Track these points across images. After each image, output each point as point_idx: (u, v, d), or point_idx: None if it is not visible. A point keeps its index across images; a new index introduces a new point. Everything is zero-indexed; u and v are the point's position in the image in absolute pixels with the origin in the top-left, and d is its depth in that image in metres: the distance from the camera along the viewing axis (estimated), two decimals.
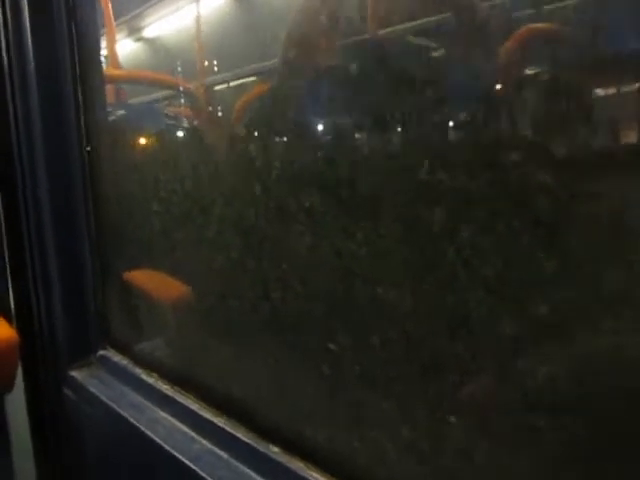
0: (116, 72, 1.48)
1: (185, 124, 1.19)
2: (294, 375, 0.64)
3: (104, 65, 1.11)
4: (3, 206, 0.94)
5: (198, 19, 1.49)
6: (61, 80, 0.92)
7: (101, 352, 0.92)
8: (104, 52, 1.60)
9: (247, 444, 0.65)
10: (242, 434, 0.66)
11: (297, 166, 0.60)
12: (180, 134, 1.01)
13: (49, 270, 0.93)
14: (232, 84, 1.18)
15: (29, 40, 0.91)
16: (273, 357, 0.67)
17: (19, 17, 0.92)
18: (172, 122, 1.18)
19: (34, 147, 0.92)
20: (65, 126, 0.90)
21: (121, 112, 1.09)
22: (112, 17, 1.49)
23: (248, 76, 1.03)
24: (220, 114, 0.98)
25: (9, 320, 0.95)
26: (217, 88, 1.25)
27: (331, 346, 0.57)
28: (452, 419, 0.45)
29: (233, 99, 0.91)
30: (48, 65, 0.91)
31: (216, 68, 1.06)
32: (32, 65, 0.89)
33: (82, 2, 0.94)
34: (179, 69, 1.30)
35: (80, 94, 0.93)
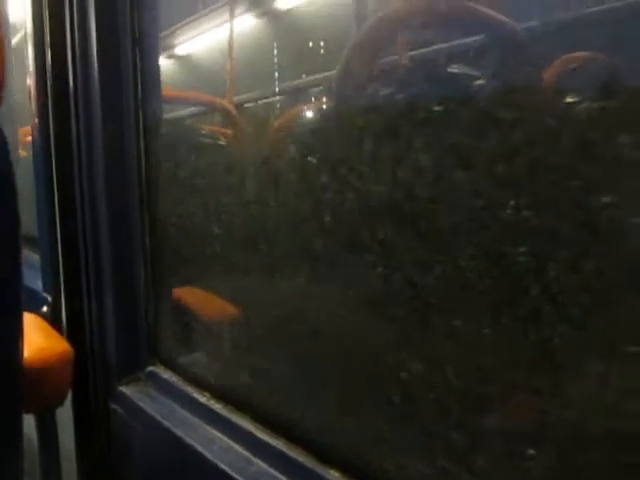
0: (170, 93, 1.52)
1: (228, 144, 1.21)
2: (357, 398, 0.64)
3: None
4: (61, 220, 0.96)
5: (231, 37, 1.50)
6: (124, 103, 0.94)
7: (150, 368, 0.92)
8: None
9: (306, 467, 0.65)
10: (301, 457, 0.66)
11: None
12: (236, 155, 1.03)
13: (103, 284, 0.94)
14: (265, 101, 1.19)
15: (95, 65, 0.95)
16: (335, 379, 0.67)
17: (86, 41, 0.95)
18: (214, 141, 1.20)
19: (94, 165, 0.95)
20: (125, 150, 0.93)
21: (177, 130, 1.12)
22: None
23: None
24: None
25: (60, 333, 0.96)
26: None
27: (402, 374, 0.57)
28: None
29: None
30: (111, 89, 0.94)
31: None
32: (97, 88, 0.92)
33: (147, 28, 0.97)
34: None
35: (141, 116, 0.96)
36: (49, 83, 1.00)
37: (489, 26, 0.65)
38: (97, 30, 0.95)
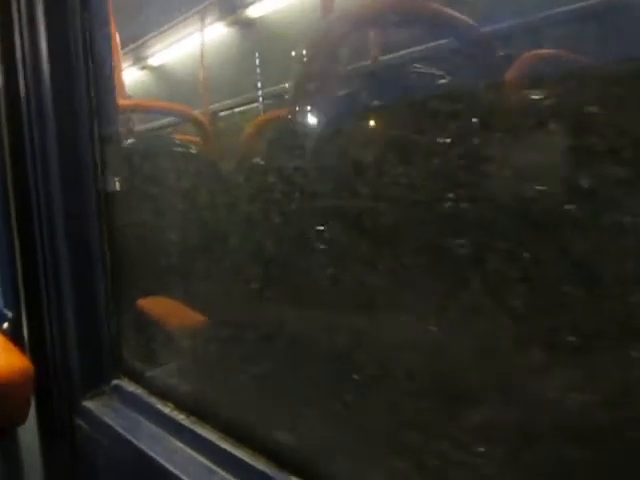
0: (126, 102, 1.50)
1: (195, 151, 1.20)
2: (316, 405, 0.64)
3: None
4: (19, 235, 0.95)
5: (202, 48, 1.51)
6: (78, 113, 0.93)
7: (115, 382, 0.91)
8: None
9: (267, 475, 0.65)
10: (262, 465, 0.66)
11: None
12: (193, 163, 1.02)
13: (63, 298, 0.93)
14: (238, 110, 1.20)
15: (47, 75, 0.93)
16: (293, 387, 0.67)
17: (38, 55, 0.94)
18: (182, 149, 1.20)
19: (50, 179, 0.94)
20: (81, 160, 0.92)
21: (134, 143, 1.11)
22: (118, 46, 1.53)
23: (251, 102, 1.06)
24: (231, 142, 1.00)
25: (23, 349, 0.95)
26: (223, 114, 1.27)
27: (355, 376, 0.58)
28: None
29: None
30: (64, 100, 0.93)
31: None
32: (49, 100, 0.91)
33: (99, 39, 0.96)
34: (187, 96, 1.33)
35: (95, 126, 0.95)
36: (1, 97, 0.98)
37: (446, 27, 0.65)
38: (48, 42, 0.93)
